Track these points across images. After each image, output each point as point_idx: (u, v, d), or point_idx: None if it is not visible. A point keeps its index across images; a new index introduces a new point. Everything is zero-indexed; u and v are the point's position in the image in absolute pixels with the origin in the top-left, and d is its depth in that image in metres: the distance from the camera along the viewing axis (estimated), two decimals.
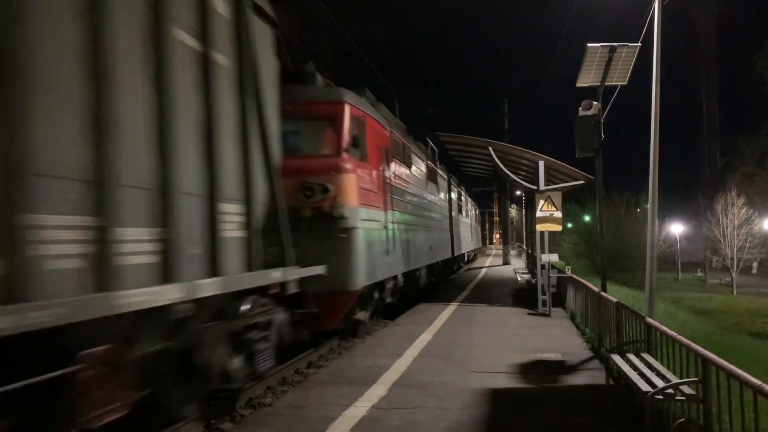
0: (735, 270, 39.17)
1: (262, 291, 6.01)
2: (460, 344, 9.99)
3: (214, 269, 5.03)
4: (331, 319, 9.58)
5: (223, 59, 5.42)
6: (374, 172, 11.11)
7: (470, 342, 10.21)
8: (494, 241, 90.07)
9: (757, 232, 38.75)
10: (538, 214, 13.18)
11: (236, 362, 5.53)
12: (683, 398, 4.73)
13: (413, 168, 15.47)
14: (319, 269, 7.30)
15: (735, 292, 37.62)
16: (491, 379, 7.55)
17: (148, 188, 4.25)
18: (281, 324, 6.55)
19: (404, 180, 14.04)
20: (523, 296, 17.20)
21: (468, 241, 32.41)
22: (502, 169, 15.15)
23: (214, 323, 5.17)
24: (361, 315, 11.13)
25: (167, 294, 4.26)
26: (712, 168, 66.34)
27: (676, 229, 49.50)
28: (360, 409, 6.32)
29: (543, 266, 13.78)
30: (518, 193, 26.55)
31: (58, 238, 3.45)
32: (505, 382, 7.49)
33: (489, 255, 56.34)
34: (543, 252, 13.79)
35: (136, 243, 4.12)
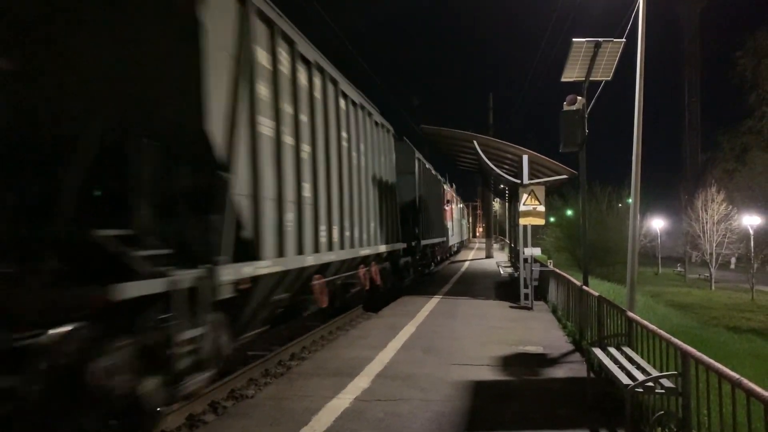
0: (714, 265, 39.64)
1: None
2: (443, 336, 10.03)
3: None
4: (444, 255, 32.66)
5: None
6: (449, 208, 31.67)
7: (453, 334, 10.26)
8: (477, 234, 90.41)
9: (735, 228, 39.15)
10: (522, 207, 13.24)
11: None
12: (663, 391, 4.79)
13: (453, 201, 36.09)
14: (443, 238, 28.03)
15: (713, 287, 38.08)
16: (473, 372, 7.60)
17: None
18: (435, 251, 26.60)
19: (452, 207, 34.47)
20: (506, 289, 17.31)
21: (462, 232, 50.74)
22: (486, 162, 15.18)
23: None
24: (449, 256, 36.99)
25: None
26: (693, 164, 67.01)
27: (657, 224, 50.00)
28: (343, 400, 6.33)
29: (525, 260, 13.86)
30: (502, 186, 26.66)
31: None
32: (487, 374, 7.53)
33: (472, 248, 56.56)
34: (526, 246, 13.88)
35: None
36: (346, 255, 10.45)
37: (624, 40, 9.94)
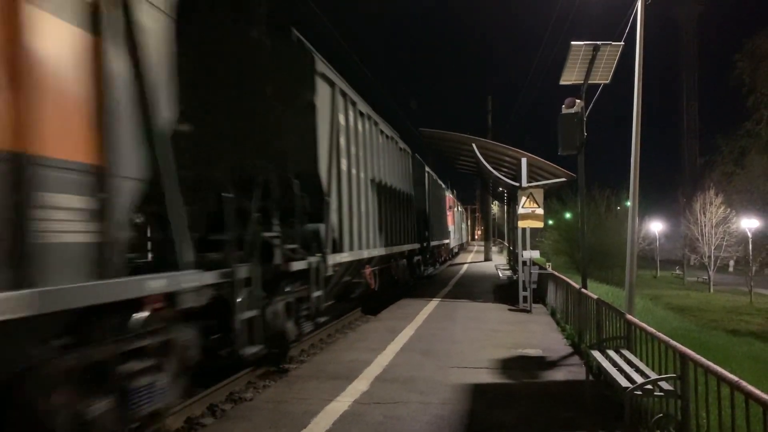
0: (712, 268, 39.69)
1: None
2: (442, 339, 10.02)
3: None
4: (447, 255, 35.05)
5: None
6: (450, 212, 35.29)
7: (452, 337, 10.26)
8: (476, 237, 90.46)
9: (734, 231, 39.20)
10: (520, 210, 13.24)
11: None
12: (662, 394, 4.79)
13: (454, 206, 39.24)
14: (445, 240, 31.14)
15: (712, 290, 38.15)
16: (472, 374, 7.59)
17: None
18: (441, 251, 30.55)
19: (453, 211, 37.61)
20: (504, 292, 17.30)
21: (461, 235, 53.95)
22: (485, 165, 15.19)
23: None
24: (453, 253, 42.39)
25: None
26: (692, 167, 67.13)
27: (656, 227, 50.09)
28: (342, 403, 6.33)
29: (524, 262, 13.86)
30: (500, 189, 26.69)
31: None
32: (486, 377, 7.53)
33: (471, 251, 56.58)
34: (524, 248, 13.88)
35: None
36: (385, 251, 13.93)
37: (623, 43, 9.97)
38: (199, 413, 6.55)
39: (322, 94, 9.51)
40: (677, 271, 50.38)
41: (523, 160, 13.59)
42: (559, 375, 7.66)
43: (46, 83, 3.51)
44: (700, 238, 40.75)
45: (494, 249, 48.42)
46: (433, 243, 24.77)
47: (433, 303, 15.15)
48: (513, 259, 22.24)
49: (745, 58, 46.79)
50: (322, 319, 9.64)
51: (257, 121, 8.33)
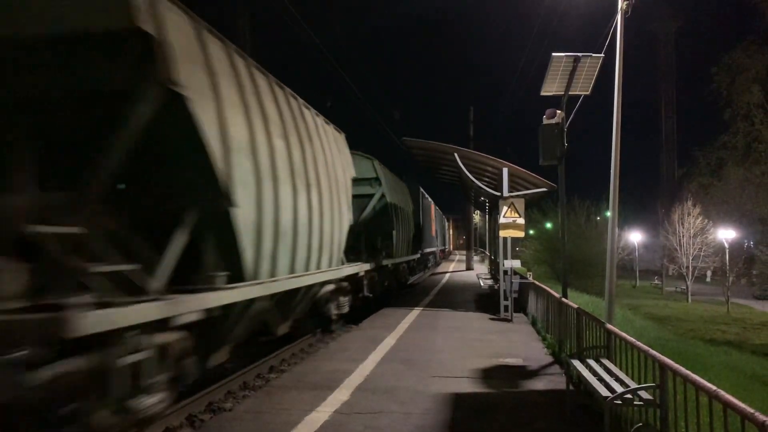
0: (690, 278, 40.11)
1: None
2: (423, 349, 10.01)
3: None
4: (443, 257, 56.30)
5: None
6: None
7: (433, 347, 10.25)
8: (458, 245, 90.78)
9: (711, 242, 39.68)
10: (502, 220, 13.30)
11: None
12: (641, 403, 4.82)
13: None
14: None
15: (690, 300, 38.55)
16: (453, 384, 7.58)
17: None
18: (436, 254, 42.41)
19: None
20: (486, 301, 17.34)
21: (444, 243, 56.24)
22: (467, 175, 15.24)
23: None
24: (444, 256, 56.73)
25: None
26: (670, 178, 67.99)
27: (635, 237, 50.59)
28: (322, 414, 6.28)
29: (505, 272, 13.91)
30: (482, 199, 26.79)
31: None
32: (467, 386, 7.53)
33: (452, 260, 56.68)
34: (506, 258, 13.93)
35: None
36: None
37: (602, 55, 10.06)
38: (177, 424, 6.46)
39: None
40: (656, 281, 50.90)
41: (505, 170, 13.67)
42: (539, 384, 7.68)
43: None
44: (678, 249, 41.17)
45: (476, 258, 48.66)
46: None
47: (415, 312, 15.14)
48: (494, 268, 22.33)
49: (722, 72, 47.49)
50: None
51: None
